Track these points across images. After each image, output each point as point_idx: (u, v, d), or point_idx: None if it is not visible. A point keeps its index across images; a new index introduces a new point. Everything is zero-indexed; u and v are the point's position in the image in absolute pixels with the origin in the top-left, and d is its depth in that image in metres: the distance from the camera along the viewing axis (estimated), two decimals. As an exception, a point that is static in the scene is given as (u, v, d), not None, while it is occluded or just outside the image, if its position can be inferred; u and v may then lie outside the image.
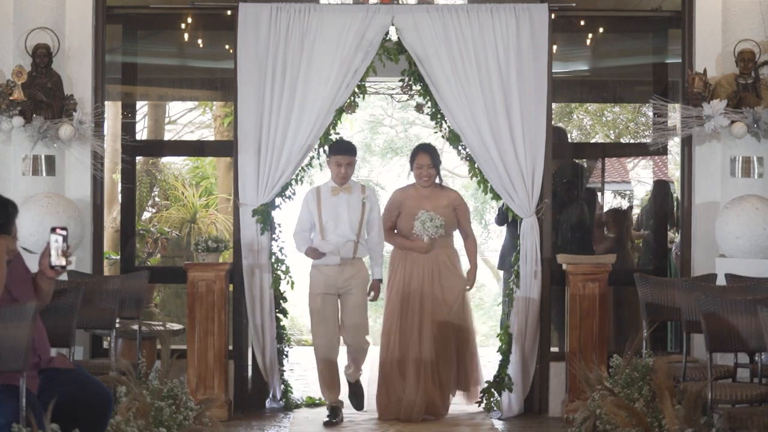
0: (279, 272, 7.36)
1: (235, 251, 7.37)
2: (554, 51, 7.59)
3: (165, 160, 12.52)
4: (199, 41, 8.40)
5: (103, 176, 7.48)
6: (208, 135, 14.48)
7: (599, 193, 9.66)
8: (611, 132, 14.27)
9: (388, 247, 7.35)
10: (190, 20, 8.01)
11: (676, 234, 8.49)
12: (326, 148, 7.21)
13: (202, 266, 7.12)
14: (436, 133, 7.53)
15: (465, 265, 7.29)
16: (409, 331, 6.98)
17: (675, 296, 6.29)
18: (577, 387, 6.74)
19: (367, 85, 7.48)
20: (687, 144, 7.47)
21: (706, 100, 7.07)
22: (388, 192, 7.57)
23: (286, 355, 7.49)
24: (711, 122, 7.02)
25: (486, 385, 7.30)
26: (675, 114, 7.50)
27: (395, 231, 7.21)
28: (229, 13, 7.52)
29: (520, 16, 7.26)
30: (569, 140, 12.01)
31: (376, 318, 10.70)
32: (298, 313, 12.87)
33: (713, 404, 5.22)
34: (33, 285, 4.54)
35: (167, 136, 14.00)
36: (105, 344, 7.48)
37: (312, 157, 7.36)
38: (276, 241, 7.35)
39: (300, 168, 7.33)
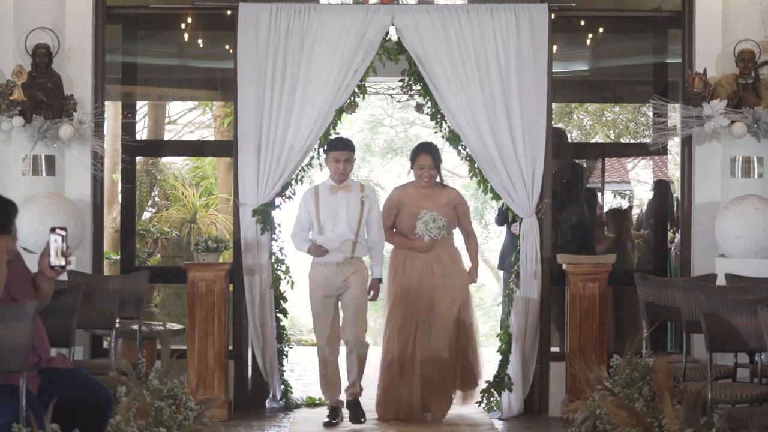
0: (279, 272, 7.36)
1: (235, 251, 7.37)
2: (554, 51, 7.59)
3: (165, 160, 12.53)
4: (199, 41, 8.40)
5: (103, 176, 7.48)
6: (208, 135, 14.49)
7: (599, 193, 9.66)
8: (611, 132, 14.27)
9: (388, 246, 7.32)
10: (190, 20, 8.01)
11: (676, 234, 8.49)
12: (325, 146, 7.19)
13: (202, 266, 7.12)
14: (436, 133, 7.52)
15: (466, 263, 7.28)
16: (410, 330, 6.96)
17: (675, 296, 6.29)
18: (577, 387, 6.74)
19: (367, 85, 7.48)
20: (687, 144, 7.47)
21: (706, 100, 7.07)
22: (388, 192, 7.54)
23: (286, 355, 7.49)
24: (711, 122, 7.02)
25: (486, 385, 7.30)
26: (675, 114, 7.50)
27: (394, 230, 7.19)
28: (229, 13, 7.52)
29: (520, 16, 7.26)
30: (569, 140, 12.01)
31: (376, 318, 10.69)
32: (298, 313, 12.88)
33: (713, 404, 5.22)
34: (33, 285, 4.54)
35: (167, 136, 14.01)
36: (105, 344, 7.48)
37: (312, 157, 7.36)
38: (276, 241, 7.35)
39: (300, 168, 7.33)
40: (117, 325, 6.14)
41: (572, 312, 7.09)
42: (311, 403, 7.56)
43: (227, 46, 7.88)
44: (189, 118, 15.18)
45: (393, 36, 7.35)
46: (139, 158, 10.80)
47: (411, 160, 7.23)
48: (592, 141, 14.19)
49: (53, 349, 4.84)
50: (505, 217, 7.68)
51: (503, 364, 7.31)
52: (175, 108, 14.74)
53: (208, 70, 8.89)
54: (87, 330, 6.98)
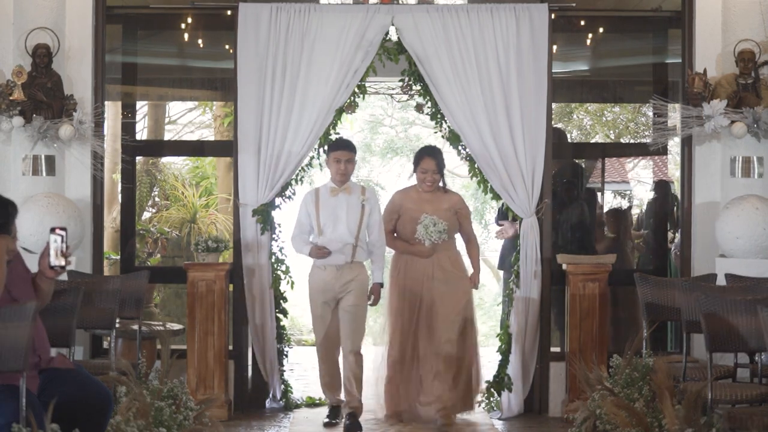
0: (279, 272, 7.36)
1: (235, 251, 7.37)
2: (554, 51, 7.59)
3: (165, 160, 12.53)
4: (199, 41, 8.41)
5: (103, 176, 7.48)
6: (208, 135, 14.49)
7: (599, 193, 9.66)
8: (611, 132, 14.27)
9: (389, 251, 7.27)
10: (190, 20, 8.01)
11: (676, 234, 8.49)
12: (326, 147, 7.17)
13: (202, 266, 7.12)
14: (436, 133, 7.51)
15: (468, 268, 7.25)
16: (412, 335, 6.91)
17: (675, 296, 6.29)
18: (577, 387, 6.74)
19: (367, 85, 7.48)
20: (687, 144, 7.47)
21: (706, 100, 7.07)
22: (388, 192, 7.50)
23: (286, 355, 7.49)
24: (711, 122, 7.03)
25: (486, 385, 7.30)
26: (675, 114, 7.50)
27: (395, 234, 7.09)
28: (229, 13, 7.52)
29: (520, 16, 7.26)
30: (569, 140, 12.01)
31: (376, 318, 10.68)
32: (298, 313, 12.87)
33: (713, 404, 5.22)
34: (33, 285, 4.54)
35: (167, 136, 14.01)
36: (105, 344, 7.49)
37: (312, 157, 7.36)
38: (276, 241, 7.35)
39: (300, 168, 7.33)
40: (117, 325, 6.14)
41: (572, 312, 7.09)
42: (311, 403, 7.56)
43: (227, 46, 7.88)
44: (189, 118, 15.19)
45: (393, 36, 7.35)
46: (139, 158, 10.80)
47: (414, 164, 7.10)
48: (592, 141, 14.20)
49: (53, 349, 4.84)
50: (505, 217, 7.68)
51: (503, 364, 7.31)
52: (175, 108, 14.76)
53: (208, 70, 8.89)
54: (87, 330, 6.98)
